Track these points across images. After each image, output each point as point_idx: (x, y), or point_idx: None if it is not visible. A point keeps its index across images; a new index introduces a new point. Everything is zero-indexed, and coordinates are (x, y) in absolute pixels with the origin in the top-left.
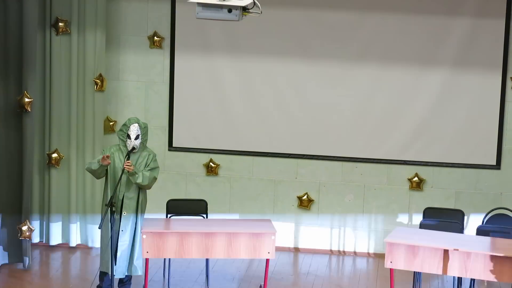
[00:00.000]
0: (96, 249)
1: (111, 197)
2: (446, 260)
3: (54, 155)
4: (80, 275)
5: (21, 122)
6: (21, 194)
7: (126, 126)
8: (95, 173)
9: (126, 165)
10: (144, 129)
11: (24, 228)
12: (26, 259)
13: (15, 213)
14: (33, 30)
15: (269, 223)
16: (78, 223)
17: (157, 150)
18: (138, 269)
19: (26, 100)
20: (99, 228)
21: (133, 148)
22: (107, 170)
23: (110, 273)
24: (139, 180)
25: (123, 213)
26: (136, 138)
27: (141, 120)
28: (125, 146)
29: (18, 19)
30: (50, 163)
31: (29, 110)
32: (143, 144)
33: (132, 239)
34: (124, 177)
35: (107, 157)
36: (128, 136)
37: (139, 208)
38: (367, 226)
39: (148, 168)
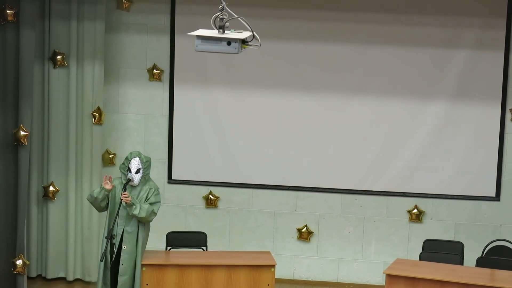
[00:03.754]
0: (94, 283)
1: (111, 230)
2: None
3: (50, 188)
4: None
5: (17, 155)
6: (16, 228)
7: (127, 159)
8: (97, 201)
9: (123, 196)
10: (146, 163)
11: (19, 262)
12: None
13: (10, 247)
14: (30, 63)
15: (268, 255)
16: (76, 257)
17: (156, 182)
18: None
19: (22, 133)
20: (100, 261)
21: (129, 180)
22: (107, 204)
23: None
24: (136, 212)
25: (123, 247)
26: (137, 172)
27: (143, 153)
28: (126, 179)
29: (15, 51)
30: (46, 196)
31: (25, 144)
32: (145, 178)
33: (132, 273)
34: (124, 211)
35: (109, 179)
36: (129, 170)
37: (139, 242)
38: (366, 258)
39: (149, 202)
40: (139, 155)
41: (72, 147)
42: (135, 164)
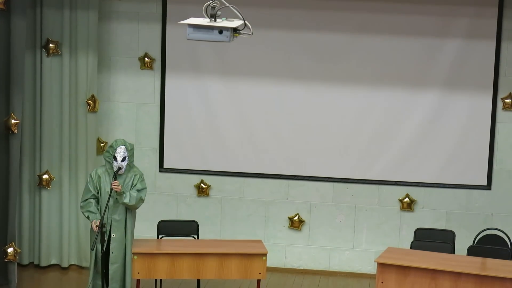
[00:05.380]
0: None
1: (101, 219)
2: (437, 280)
3: (45, 176)
4: None
5: (8, 144)
6: (7, 216)
7: (112, 148)
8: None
9: (114, 185)
10: (130, 151)
11: (10, 250)
12: (12, 282)
13: (1, 235)
14: (21, 51)
15: (260, 244)
16: (71, 243)
17: (148, 171)
18: None
19: (13, 121)
20: (91, 250)
21: (119, 169)
22: (98, 192)
23: None
24: (126, 200)
25: (112, 235)
26: (123, 160)
27: (131, 141)
28: (112, 168)
29: (6, 40)
30: (41, 185)
31: (16, 132)
32: (129, 165)
33: (123, 261)
34: (111, 200)
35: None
36: (115, 158)
37: (128, 229)
38: (358, 246)
39: (136, 189)
40: (124, 143)
41: (66, 135)
42: (120, 152)
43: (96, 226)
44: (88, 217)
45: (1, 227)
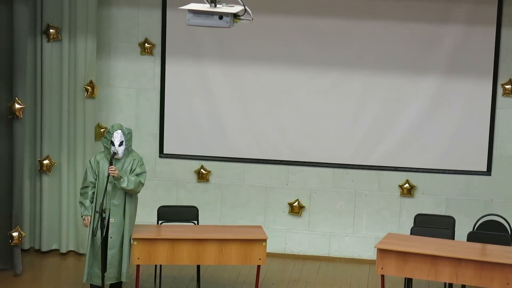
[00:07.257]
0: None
1: (101, 204)
2: (437, 266)
3: (46, 161)
4: (72, 281)
5: (11, 129)
6: (12, 201)
7: (109, 133)
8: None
9: (110, 170)
10: (128, 135)
11: (15, 234)
12: (18, 266)
13: (5, 219)
14: (24, 36)
15: (260, 230)
16: (69, 229)
17: (148, 156)
18: (126, 275)
19: (17, 106)
20: (94, 235)
21: (114, 154)
22: (96, 178)
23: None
24: (124, 185)
25: (111, 220)
26: (120, 144)
27: (130, 126)
28: (110, 153)
29: (8, 25)
30: (41, 170)
31: (21, 117)
32: (128, 150)
33: (121, 245)
34: (110, 185)
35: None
36: (112, 143)
37: (126, 214)
38: (358, 232)
39: (134, 173)
40: (120, 127)
41: (65, 121)
42: (117, 137)
43: (98, 212)
44: (81, 209)
45: (6, 212)
